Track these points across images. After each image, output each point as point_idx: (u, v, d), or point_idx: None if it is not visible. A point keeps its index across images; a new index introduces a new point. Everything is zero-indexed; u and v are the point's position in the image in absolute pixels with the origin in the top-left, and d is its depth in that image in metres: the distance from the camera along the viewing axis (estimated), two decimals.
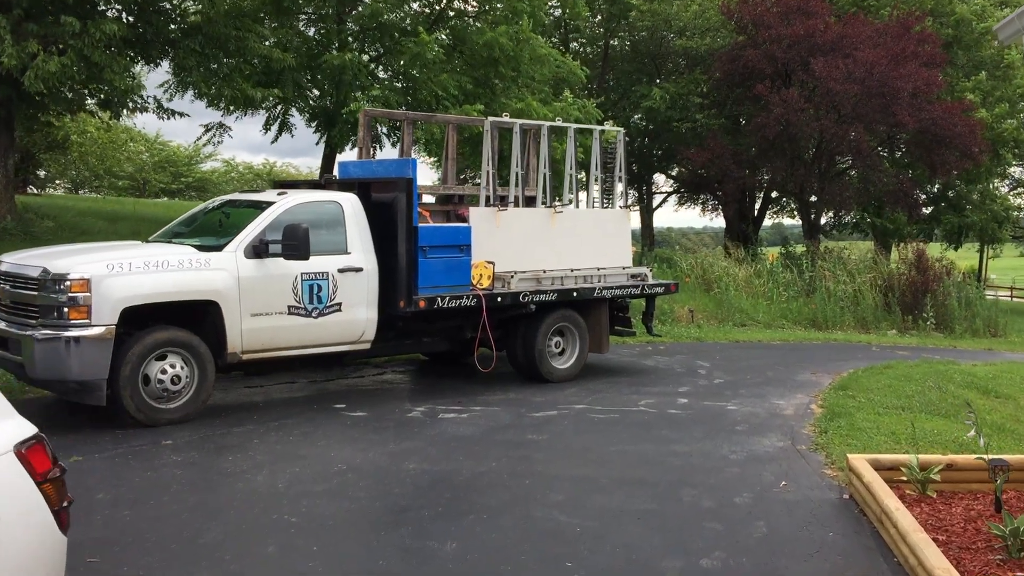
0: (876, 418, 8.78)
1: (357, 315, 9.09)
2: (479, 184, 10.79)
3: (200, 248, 8.50)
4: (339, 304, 8.94)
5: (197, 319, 8.27)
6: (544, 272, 10.44)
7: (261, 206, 8.99)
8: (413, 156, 11.10)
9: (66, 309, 7.56)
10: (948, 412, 9.46)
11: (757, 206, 32.09)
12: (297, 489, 6.27)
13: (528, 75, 19.09)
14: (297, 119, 20.16)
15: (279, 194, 9.29)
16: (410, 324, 9.76)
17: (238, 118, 19.58)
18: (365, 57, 19.29)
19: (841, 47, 23.91)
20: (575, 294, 10.57)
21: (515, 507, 6.01)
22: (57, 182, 40.63)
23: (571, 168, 11.48)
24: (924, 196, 30.27)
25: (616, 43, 31.46)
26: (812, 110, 24.17)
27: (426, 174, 30.91)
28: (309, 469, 6.78)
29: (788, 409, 9.51)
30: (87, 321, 7.57)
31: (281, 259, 8.55)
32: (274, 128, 19.70)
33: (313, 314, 8.77)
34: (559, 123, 12.36)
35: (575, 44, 31.51)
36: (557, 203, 11.09)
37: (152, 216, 19.32)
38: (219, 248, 8.45)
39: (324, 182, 10.45)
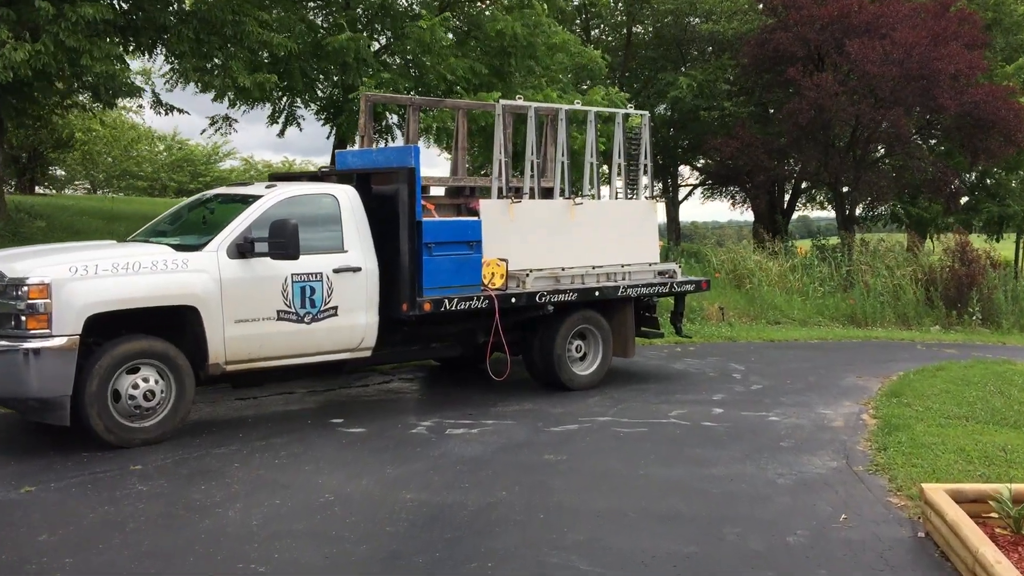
0: (939, 431, 7.77)
1: (355, 320, 8.20)
2: (491, 175, 9.87)
3: (178, 248, 7.64)
4: (335, 308, 8.05)
5: (174, 327, 7.40)
6: (563, 270, 9.51)
7: (247, 200, 8.12)
8: (419, 145, 10.19)
9: (24, 318, 6.73)
10: (1018, 422, 8.44)
11: (787, 197, 30.89)
12: (273, 528, 5.37)
13: (545, 63, 18.10)
14: (306, 112, 19.30)
15: (267, 187, 8.43)
16: (416, 329, 8.84)
17: (245, 111, 18.73)
18: (376, 45, 18.39)
19: (877, 27, 22.75)
20: (597, 293, 9.63)
21: (526, 551, 5.06)
22: (77, 182, 40.09)
23: (592, 156, 10.51)
24: (961, 185, 28.96)
25: (639, 29, 30.38)
26: (847, 95, 22.99)
27: (440, 166, 30.03)
28: (290, 501, 5.88)
29: (837, 420, 8.51)
30: (47, 331, 6.73)
31: (268, 259, 7.68)
32: (280, 121, 18.84)
33: (306, 319, 7.89)
34: (578, 106, 11.36)
35: (596, 31, 30.48)
36: (577, 195, 10.15)
37: (154, 215, 18.54)
38: (199, 247, 7.58)
39: (321, 174, 9.59)
